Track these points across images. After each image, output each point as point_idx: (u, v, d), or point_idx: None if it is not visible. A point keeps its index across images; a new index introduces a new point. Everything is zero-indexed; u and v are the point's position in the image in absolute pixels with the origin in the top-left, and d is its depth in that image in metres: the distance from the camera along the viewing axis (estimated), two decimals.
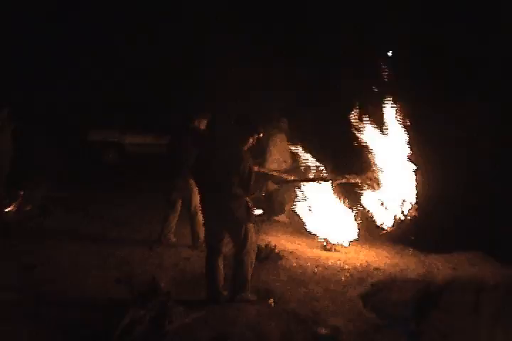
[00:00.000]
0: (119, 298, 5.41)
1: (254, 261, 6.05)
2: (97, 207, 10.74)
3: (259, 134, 5.94)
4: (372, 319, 6.07)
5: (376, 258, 8.05)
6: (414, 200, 7.86)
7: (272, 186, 6.58)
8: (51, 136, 13.40)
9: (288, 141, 9.89)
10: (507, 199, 8.96)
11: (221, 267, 6.07)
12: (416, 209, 7.86)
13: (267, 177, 8.59)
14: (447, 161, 9.60)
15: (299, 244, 8.67)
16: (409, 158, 7.80)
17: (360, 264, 7.68)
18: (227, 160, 5.69)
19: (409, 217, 7.92)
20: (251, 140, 5.90)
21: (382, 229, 8.12)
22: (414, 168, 7.77)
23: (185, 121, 8.03)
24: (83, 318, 5.47)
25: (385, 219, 8.05)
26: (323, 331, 5.44)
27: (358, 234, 8.45)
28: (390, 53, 8.08)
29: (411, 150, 7.80)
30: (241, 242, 5.87)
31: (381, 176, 7.89)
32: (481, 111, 10.35)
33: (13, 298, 5.89)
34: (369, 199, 8.09)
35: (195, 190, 7.10)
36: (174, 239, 8.31)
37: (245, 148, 5.88)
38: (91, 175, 13.37)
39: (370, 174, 7.96)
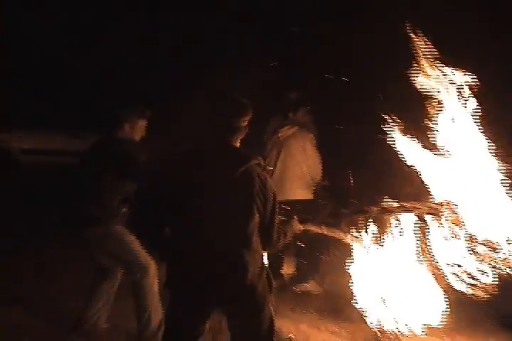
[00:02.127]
0: None
1: None
2: None
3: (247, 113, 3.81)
4: None
5: None
6: None
7: (297, 227, 4.44)
8: None
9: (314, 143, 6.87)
10: None
11: None
12: None
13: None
14: None
15: (334, 334, 5.71)
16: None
17: None
18: (226, 190, 3.66)
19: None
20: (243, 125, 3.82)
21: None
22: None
23: (109, 126, 5.28)
24: None
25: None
26: None
27: (445, 316, 5.31)
28: None
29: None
30: (262, 337, 3.74)
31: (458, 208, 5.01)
32: None
33: None
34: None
35: (132, 239, 4.90)
36: (106, 325, 5.26)
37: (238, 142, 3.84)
38: None
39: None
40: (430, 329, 5.30)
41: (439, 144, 4.95)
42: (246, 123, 3.76)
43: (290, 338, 5.38)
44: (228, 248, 3.63)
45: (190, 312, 3.72)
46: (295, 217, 4.25)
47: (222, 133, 3.72)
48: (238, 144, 3.79)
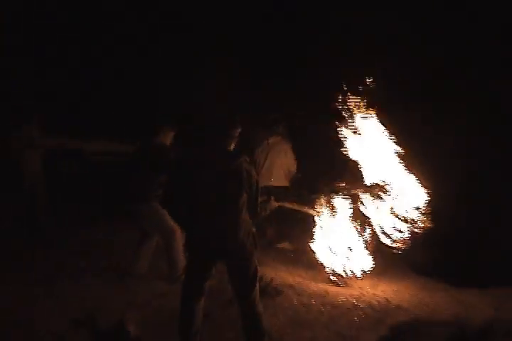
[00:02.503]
0: None
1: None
2: (56, 231, 9.34)
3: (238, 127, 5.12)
4: None
5: (397, 293, 6.96)
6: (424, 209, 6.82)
7: (274, 204, 6.16)
8: None
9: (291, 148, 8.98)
10: None
11: (200, 311, 5.09)
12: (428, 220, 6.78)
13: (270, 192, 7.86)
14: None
15: (301, 277, 7.58)
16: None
17: (378, 302, 6.58)
18: (223, 178, 4.86)
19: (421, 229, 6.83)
20: (233, 139, 5.09)
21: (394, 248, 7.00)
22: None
23: (149, 135, 7.17)
24: None
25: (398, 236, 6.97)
26: None
27: (374, 263, 7.37)
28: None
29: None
30: (250, 283, 4.99)
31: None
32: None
33: None
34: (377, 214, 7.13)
35: (164, 212, 6.79)
36: (144, 271, 7.17)
37: (231, 147, 5.06)
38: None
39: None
40: (365, 273, 7.27)
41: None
42: (237, 134, 5.03)
43: (271, 279, 6.87)
44: (225, 218, 4.86)
45: (202, 262, 5.01)
46: (272, 197, 6.19)
47: (220, 140, 5.00)
48: (232, 148, 5.04)
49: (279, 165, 8.83)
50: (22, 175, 8.91)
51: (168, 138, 7.13)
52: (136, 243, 7.21)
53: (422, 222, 6.73)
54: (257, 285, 5.07)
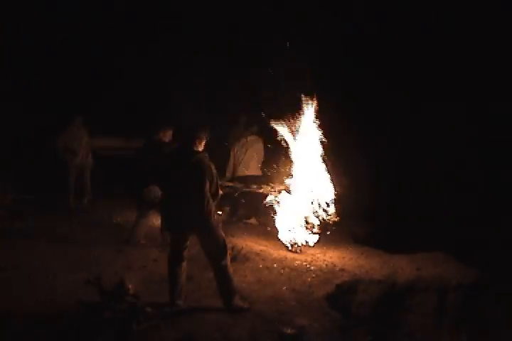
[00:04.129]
0: (88, 299, 5.36)
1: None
2: (66, 209, 10.64)
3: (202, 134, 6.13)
4: (338, 319, 6.15)
5: (341, 259, 8.09)
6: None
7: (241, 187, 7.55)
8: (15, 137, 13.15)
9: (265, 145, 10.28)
10: (469, 200, 9.11)
11: (183, 273, 6.12)
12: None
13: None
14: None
15: (265, 246, 8.65)
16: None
17: (326, 265, 7.71)
18: (194, 168, 5.87)
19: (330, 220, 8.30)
20: (200, 141, 6.08)
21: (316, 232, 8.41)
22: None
23: (150, 133, 8.44)
24: (50, 319, 5.46)
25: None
26: (289, 331, 5.46)
27: (319, 235, 8.51)
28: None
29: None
30: (219, 251, 5.96)
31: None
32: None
33: None
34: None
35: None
36: (143, 242, 8.36)
37: (200, 148, 6.06)
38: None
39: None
40: (315, 243, 8.47)
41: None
42: (202, 136, 6.00)
43: (241, 248, 7.92)
44: (192, 200, 5.79)
45: (178, 235, 6.01)
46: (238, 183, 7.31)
47: (187, 140, 6.05)
48: (201, 147, 6.00)
49: (255, 158, 10.18)
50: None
51: (166, 137, 8.41)
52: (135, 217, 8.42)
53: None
54: (227, 253, 5.96)
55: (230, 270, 6.03)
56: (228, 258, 6.02)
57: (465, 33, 10.67)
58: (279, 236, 8.62)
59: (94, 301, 5.27)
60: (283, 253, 8.31)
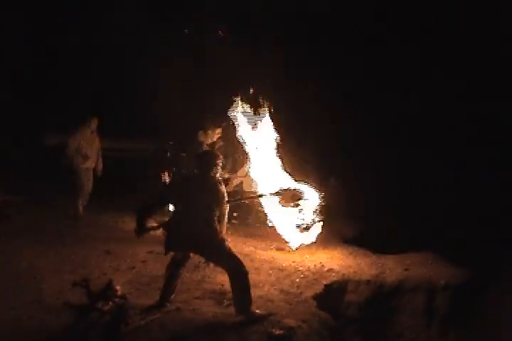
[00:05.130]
0: (76, 300, 5.36)
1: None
2: (55, 210, 10.47)
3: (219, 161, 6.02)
4: (327, 319, 6.17)
5: (330, 259, 8.12)
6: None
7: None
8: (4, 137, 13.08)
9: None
10: (458, 200, 9.16)
11: (179, 276, 6.13)
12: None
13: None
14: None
15: (254, 246, 8.70)
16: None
17: (314, 266, 7.74)
18: (208, 192, 5.82)
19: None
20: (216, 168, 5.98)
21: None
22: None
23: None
24: (38, 322, 5.44)
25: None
26: (277, 332, 5.46)
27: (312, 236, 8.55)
28: None
29: None
30: (224, 264, 5.89)
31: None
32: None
33: None
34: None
35: None
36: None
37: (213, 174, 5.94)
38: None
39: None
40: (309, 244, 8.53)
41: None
42: (219, 163, 5.92)
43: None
44: (199, 220, 5.71)
45: (181, 254, 5.96)
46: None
47: (205, 168, 5.91)
48: (218, 174, 5.94)
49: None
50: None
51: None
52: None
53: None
54: (233, 264, 5.74)
55: (239, 276, 5.80)
56: (236, 268, 5.81)
57: (465, 32, 10.60)
58: (269, 236, 8.80)
59: (81, 302, 5.26)
60: (271, 253, 8.35)
